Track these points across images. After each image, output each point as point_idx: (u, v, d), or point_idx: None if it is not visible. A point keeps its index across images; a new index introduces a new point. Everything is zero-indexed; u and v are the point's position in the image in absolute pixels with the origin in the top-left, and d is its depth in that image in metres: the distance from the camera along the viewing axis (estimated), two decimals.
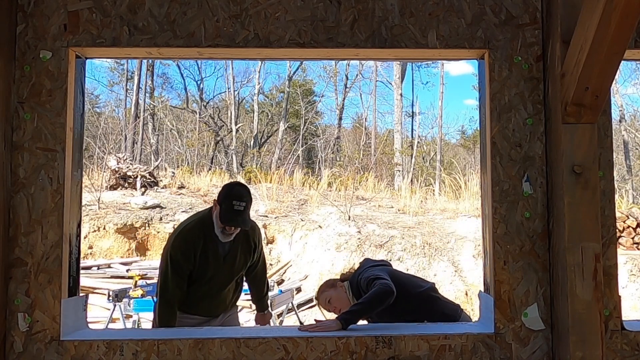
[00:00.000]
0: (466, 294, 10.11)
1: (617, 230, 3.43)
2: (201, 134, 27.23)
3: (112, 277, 10.65)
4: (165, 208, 12.88)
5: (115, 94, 29.84)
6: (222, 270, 3.45)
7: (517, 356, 2.32)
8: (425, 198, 15.21)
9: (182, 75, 34.07)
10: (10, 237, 2.31)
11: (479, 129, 2.62)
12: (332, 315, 2.88)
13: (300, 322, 7.24)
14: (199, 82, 30.18)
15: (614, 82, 2.95)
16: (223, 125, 28.88)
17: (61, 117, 2.34)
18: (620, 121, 25.20)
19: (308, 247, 11.76)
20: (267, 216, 12.56)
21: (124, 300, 6.48)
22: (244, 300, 6.28)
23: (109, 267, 11.14)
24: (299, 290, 10.34)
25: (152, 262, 11.33)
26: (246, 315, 7.94)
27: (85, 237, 11.71)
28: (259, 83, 29.55)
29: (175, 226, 3.70)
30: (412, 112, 29.80)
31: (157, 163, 19.56)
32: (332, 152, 28.81)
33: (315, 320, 2.89)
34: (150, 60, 23.61)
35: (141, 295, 6.45)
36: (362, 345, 2.32)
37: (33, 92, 2.34)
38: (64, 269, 2.33)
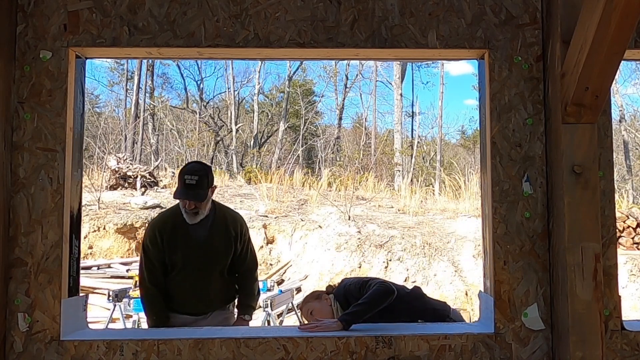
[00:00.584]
0: (466, 294, 10.11)
1: (617, 230, 3.43)
2: (201, 134, 27.23)
3: (112, 277, 10.64)
4: (165, 208, 12.86)
5: (115, 94, 29.86)
6: (197, 257, 3.42)
7: (517, 356, 2.32)
8: (425, 198, 15.21)
9: (182, 75, 34.07)
10: (10, 237, 2.31)
11: (479, 129, 2.62)
12: None
13: (300, 322, 7.24)
14: (199, 82, 30.20)
15: (614, 82, 2.95)
16: (223, 125, 28.87)
17: (61, 117, 2.34)
18: (620, 121, 25.20)
19: (308, 247, 11.76)
20: (267, 216, 12.56)
21: (124, 300, 6.48)
22: None
23: (109, 267, 11.13)
24: (299, 290, 10.34)
25: None
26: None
27: (85, 237, 11.71)
28: (259, 83, 29.58)
29: None
30: (412, 112, 29.82)
31: (157, 163, 19.56)
32: (332, 152, 28.81)
33: (316, 319, 2.88)
34: (150, 60, 23.62)
35: None
36: (362, 345, 2.32)
37: (33, 92, 2.34)
38: (64, 269, 2.33)
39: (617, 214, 8.37)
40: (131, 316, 6.73)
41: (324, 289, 3.25)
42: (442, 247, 11.08)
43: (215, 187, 3.49)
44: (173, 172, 17.13)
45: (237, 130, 28.16)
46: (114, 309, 6.53)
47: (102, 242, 12.13)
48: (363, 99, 31.31)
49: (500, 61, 2.40)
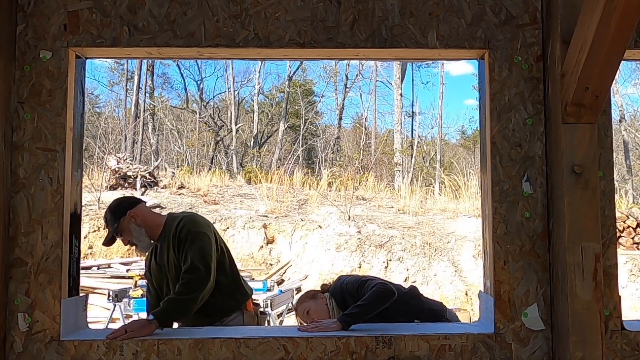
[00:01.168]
0: (466, 294, 10.11)
1: (617, 230, 3.43)
2: (201, 134, 27.23)
3: (112, 277, 10.63)
4: (165, 208, 12.87)
5: (115, 94, 29.83)
6: (157, 274, 3.26)
7: (517, 356, 2.32)
8: (425, 198, 15.21)
9: (182, 75, 34.00)
10: (10, 237, 2.31)
11: (479, 129, 2.62)
12: None
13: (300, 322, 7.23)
14: (199, 82, 30.18)
15: (614, 82, 2.95)
16: (223, 125, 28.87)
17: (61, 117, 2.34)
18: (620, 121, 25.20)
19: (308, 247, 11.76)
20: (267, 216, 12.56)
21: (124, 300, 6.48)
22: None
23: (109, 267, 11.12)
24: (299, 290, 10.33)
25: None
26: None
27: (85, 237, 11.70)
28: (259, 83, 29.57)
29: None
30: (412, 112, 29.80)
31: (157, 163, 19.53)
32: (332, 152, 28.81)
33: (312, 318, 2.88)
34: (150, 60, 23.62)
35: (141, 295, 6.43)
36: (362, 345, 2.32)
37: (33, 92, 2.34)
38: (64, 269, 2.33)
39: (617, 214, 8.37)
40: (131, 316, 6.71)
41: (319, 288, 3.23)
42: (442, 247, 11.09)
43: (132, 213, 3.09)
44: (173, 172, 17.13)
45: (237, 130, 28.15)
46: (114, 309, 6.53)
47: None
48: (363, 99, 31.33)
49: (500, 61, 2.40)
